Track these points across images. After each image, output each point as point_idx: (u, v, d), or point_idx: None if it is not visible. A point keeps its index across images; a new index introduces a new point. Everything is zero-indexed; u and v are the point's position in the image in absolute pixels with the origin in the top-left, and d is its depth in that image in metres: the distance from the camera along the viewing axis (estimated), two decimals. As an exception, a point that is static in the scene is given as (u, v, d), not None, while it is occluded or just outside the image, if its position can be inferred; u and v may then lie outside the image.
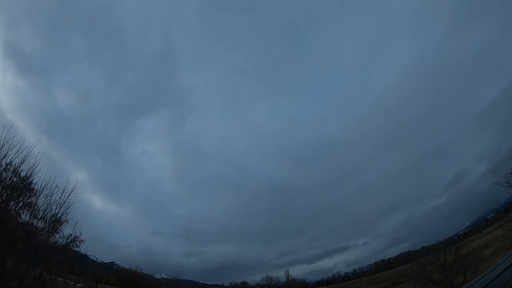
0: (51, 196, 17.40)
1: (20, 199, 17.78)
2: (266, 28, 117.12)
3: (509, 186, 28.53)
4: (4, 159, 16.69)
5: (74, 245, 20.37)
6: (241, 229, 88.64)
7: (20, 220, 17.95)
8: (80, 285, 44.85)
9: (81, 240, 20.56)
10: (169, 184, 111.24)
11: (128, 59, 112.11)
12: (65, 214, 17.85)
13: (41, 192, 17.51)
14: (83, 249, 21.35)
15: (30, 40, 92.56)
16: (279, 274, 63.77)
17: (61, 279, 28.06)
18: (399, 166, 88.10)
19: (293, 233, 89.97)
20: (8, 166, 16.87)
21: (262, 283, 57.69)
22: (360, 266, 63.71)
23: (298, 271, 72.75)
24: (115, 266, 61.98)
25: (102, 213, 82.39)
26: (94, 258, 53.89)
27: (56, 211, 17.60)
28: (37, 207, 17.82)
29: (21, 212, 17.97)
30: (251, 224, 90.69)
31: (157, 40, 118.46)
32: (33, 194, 18.02)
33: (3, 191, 16.85)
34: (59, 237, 19.08)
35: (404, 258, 53.00)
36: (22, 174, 17.36)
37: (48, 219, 17.69)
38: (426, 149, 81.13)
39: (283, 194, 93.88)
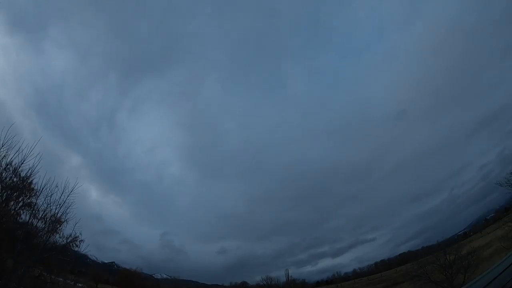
0: (51, 196, 17.46)
1: (20, 199, 17.79)
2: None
3: (509, 186, 28.57)
4: (4, 159, 16.71)
5: (74, 245, 20.39)
6: (257, 222, 77.97)
7: (20, 220, 17.96)
8: (80, 285, 44.85)
9: (81, 240, 20.62)
10: (176, 167, 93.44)
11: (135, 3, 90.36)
12: (65, 214, 17.89)
13: (41, 192, 17.55)
14: (83, 249, 21.40)
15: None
16: (295, 271, 62.66)
17: (61, 279, 28.08)
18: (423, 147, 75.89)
19: (314, 225, 78.84)
20: (8, 166, 16.90)
21: (262, 283, 57.66)
22: (361, 266, 63.72)
23: (317, 267, 68.37)
24: (115, 266, 61.96)
25: (98, 204, 72.59)
26: (94, 258, 53.94)
27: (56, 211, 17.64)
28: (37, 207, 17.86)
29: (21, 212, 17.99)
30: (269, 216, 78.95)
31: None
32: (33, 194, 18.05)
33: (3, 191, 16.86)
34: (59, 237, 19.11)
35: (404, 258, 52.99)
36: (22, 174, 17.41)
37: (48, 219, 17.71)
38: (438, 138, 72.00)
39: (308, 180, 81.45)
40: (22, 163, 16.77)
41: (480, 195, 54.96)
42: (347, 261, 67.88)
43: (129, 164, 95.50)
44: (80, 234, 20.07)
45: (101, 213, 70.06)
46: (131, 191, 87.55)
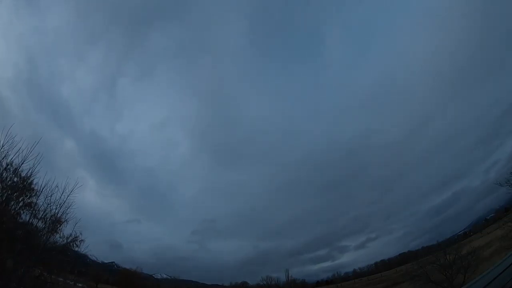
0: (51, 196, 17.53)
1: (20, 199, 17.82)
2: None
3: (509, 186, 28.59)
4: (4, 159, 16.72)
5: (74, 245, 20.43)
6: (272, 216, 69.66)
7: (20, 220, 17.98)
8: (80, 285, 44.86)
9: (81, 240, 20.68)
10: (184, 148, 79.79)
11: None
12: (65, 214, 17.93)
13: (41, 192, 17.59)
14: (83, 249, 21.46)
15: None
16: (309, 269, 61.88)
17: (61, 279, 28.09)
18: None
19: (335, 217, 70.68)
20: (9, 166, 16.91)
21: (262, 283, 57.68)
22: (361, 266, 63.62)
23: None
24: (115, 266, 61.93)
25: (93, 196, 63.09)
26: (94, 258, 53.81)
27: (56, 211, 17.68)
28: (37, 207, 17.92)
29: (21, 212, 18.02)
30: (286, 209, 71.39)
31: None
32: (33, 194, 18.10)
33: (4, 191, 16.87)
34: (59, 237, 19.15)
35: (404, 258, 52.96)
36: (23, 174, 17.43)
37: (48, 219, 17.74)
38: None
39: (335, 168, 71.72)
40: (23, 163, 16.83)
41: (480, 195, 54.66)
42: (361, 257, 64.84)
43: (130, 146, 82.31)
44: (80, 234, 20.17)
45: (97, 206, 63.32)
46: (131, 179, 76.95)
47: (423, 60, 68.56)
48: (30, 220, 17.88)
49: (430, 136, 66.67)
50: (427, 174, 66.15)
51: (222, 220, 70.49)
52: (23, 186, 17.61)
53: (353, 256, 65.44)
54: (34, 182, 17.90)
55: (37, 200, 17.95)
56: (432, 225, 57.89)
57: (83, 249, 21.65)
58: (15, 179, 17.35)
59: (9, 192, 17.08)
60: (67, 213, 17.95)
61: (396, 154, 69.94)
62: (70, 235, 19.33)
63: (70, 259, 21.96)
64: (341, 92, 77.24)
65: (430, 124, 68.40)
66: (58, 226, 18.53)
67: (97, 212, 58.35)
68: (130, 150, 79.69)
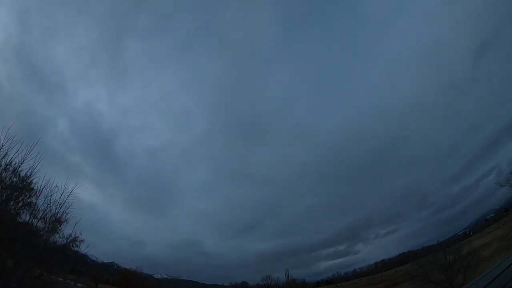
0: (51, 196, 17.55)
1: (20, 199, 17.81)
2: None
3: (509, 186, 28.62)
4: (4, 159, 16.71)
5: (74, 245, 20.45)
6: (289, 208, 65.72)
7: (20, 220, 17.98)
8: (80, 285, 44.83)
9: (81, 240, 20.70)
10: (200, 121, 71.52)
11: None
12: (65, 214, 17.94)
13: (41, 192, 17.59)
14: (83, 249, 21.50)
15: None
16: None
17: (61, 279, 28.10)
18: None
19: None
20: (8, 166, 16.89)
21: (262, 283, 57.63)
22: (361, 266, 63.57)
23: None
24: (115, 266, 61.89)
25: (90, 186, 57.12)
26: (94, 258, 53.79)
27: (56, 211, 17.69)
28: (37, 207, 17.92)
29: (21, 212, 18.01)
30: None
31: None
32: (33, 194, 18.08)
33: (3, 191, 16.86)
34: (59, 237, 19.16)
35: (404, 258, 52.95)
36: (22, 174, 17.42)
37: (48, 219, 17.74)
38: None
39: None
40: (22, 163, 16.82)
41: (480, 195, 54.53)
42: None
43: (132, 122, 74.45)
44: (80, 234, 20.19)
45: (94, 199, 58.40)
46: (130, 165, 69.79)
47: (464, 19, 60.85)
48: (30, 220, 17.90)
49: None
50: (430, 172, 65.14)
51: (227, 215, 67.27)
52: (22, 186, 17.61)
53: (357, 255, 64.89)
54: (34, 182, 17.94)
55: (37, 200, 17.99)
56: (432, 225, 58.04)
57: (83, 249, 21.74)
58: (15, 179, 17.36)
59: (8, 192, 17.07)
60: (67, 213, 18.00)
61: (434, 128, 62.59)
62: (70, 235, 19.38)
63: (70, 259, 21.98)
64: (378, 53, 67.65)
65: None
66: (58, 226, 18.54)
67: (92, 206, 54.16)
68: (131, 127, 70.34)
